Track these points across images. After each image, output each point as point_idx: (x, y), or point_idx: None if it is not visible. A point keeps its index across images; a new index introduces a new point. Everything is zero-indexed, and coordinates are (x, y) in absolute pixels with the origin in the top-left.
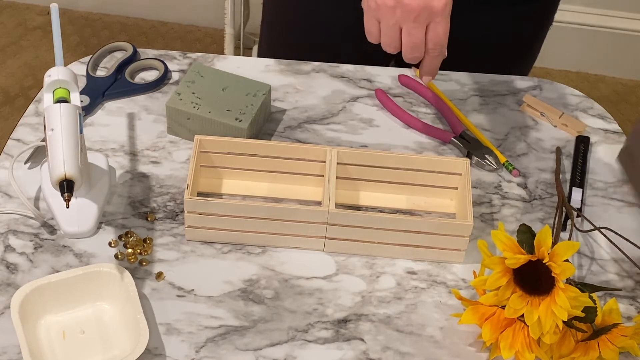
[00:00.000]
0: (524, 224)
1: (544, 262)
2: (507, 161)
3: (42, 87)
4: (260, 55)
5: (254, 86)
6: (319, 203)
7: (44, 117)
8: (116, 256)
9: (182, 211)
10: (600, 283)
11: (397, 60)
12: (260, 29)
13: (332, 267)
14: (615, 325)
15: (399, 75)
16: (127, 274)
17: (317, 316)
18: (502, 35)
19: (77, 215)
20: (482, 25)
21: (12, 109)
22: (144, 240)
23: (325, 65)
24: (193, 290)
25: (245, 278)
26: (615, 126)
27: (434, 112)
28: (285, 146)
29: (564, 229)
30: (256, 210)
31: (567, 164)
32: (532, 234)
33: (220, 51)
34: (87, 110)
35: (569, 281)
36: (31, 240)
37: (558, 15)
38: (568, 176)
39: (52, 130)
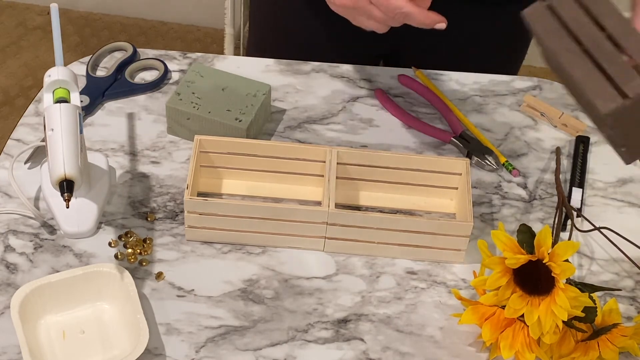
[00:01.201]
0: (524, 224)
1: (544, 262)
2: (507, 161)
3: (42, 87)
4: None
5: (254, 86)
6: (319, 203)
7: (44, 117)
8: (116, 256)
9: (182, 211)
10: (600, 283)
11: (385, 60)
12: (249, 32)
13: (332, 267)
14: (615, 325)
15: (399, 75)
16: (127, 274)
17: (317, 316)
18: (486, 35)
19: (77, 215)
20: (467, 25)
21: (12, 109)
22: (144, 240)
23: (325, 65)
24: (193, 290)
25: (245, 278)
26: None
27: (434, 112)
28: (285, 146)
29: (564, 229)
30: (256, 210)
31: (567, 164)
32: (532, 234)
33: (220, 51)
34: (87, 110)
35: (569, 281)
36: (31, 240)
37: None
38: (568, 176)
39: (52, 130)
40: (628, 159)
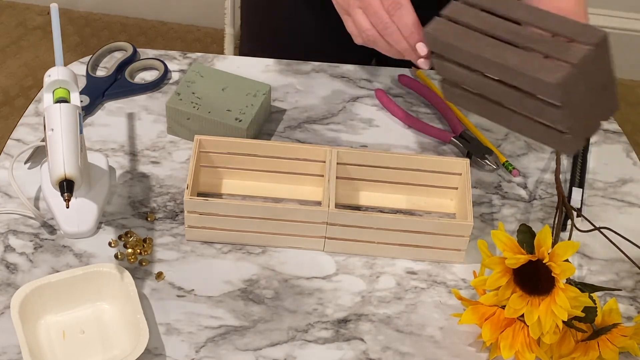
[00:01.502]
0: (524, 224)
1: (544, 262)
2: (507, 161)
3: (42, 87)
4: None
5: (254, 86)
6: (319, 203)
7: (44, 117)
8: (116, 256)
9: (182, 211)
10: (600, 283)
11: (377, 59)
12: (241, 30)
13: (332, 267)
14: (615, 325)
15: (399, 75)
16: (127, 274)
17: (317, 316)
18: None
19: (77, 215)
20: None
21: (12, 109)
22: (144, 240)
23: (325, 65)
24: (193, 290)
25: (245, 278)
26: (615, 126)
27: (434, 112)
28: (285, 146)
29: (564, 229)
30: (256, 210)
31: (567, 164)
32: (532, 234)
33: (220, 51)
34: (87, 110)
35: (569, 281)
36: (31, 240)
37: None
38: (568, 176)
39: (52, 130)
40: (572, 146)
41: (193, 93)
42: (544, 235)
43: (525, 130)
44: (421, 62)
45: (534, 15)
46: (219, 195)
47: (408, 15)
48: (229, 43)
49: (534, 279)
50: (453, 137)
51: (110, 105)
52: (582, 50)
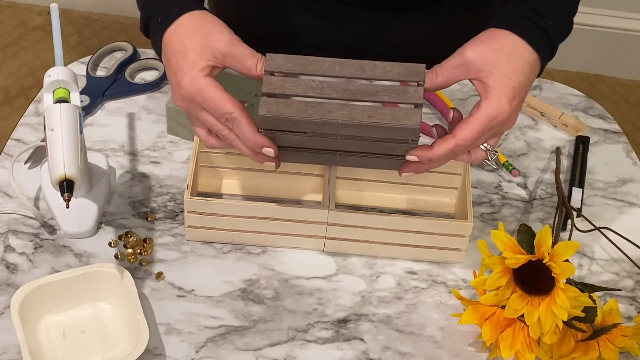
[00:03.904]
0: (524, 224)
1: (544, 262)
2: (507, 161)
3: (42, 87)
4: None
5: (254, 86)
6: (319, 203)
7: (44, 117)
8: (116, 256)
9: (182, 211)
10: (600, 283)
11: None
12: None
13: (332, 267)
14: (615, 325)
15: None
16: (127, 274)
17: (317, 316)
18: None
19: (77, 215)
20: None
21: (12, 109)
22: (144, 240)
23: None
24: (193, 290)
25: (245, 278)
26: (615, 126)
27: (434, 112)
28: None
29: (564, 229)
30: (256, 210)
31: (567, 164)
32: (532, 234)
33: None
34: (87, 110)
35: (569, 281)
36: (31, 240)
37: None
38: (568, 176)
39: (52, 130)
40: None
41: None
42: (544, 235)
43: (364, 165)
44: (267, 165)
45: (349, 67)
46: (219, 195)
47: (243, 126)
48: None
49: (534, 279)
50: None
51: (110, 105)
52: (419, 90)
